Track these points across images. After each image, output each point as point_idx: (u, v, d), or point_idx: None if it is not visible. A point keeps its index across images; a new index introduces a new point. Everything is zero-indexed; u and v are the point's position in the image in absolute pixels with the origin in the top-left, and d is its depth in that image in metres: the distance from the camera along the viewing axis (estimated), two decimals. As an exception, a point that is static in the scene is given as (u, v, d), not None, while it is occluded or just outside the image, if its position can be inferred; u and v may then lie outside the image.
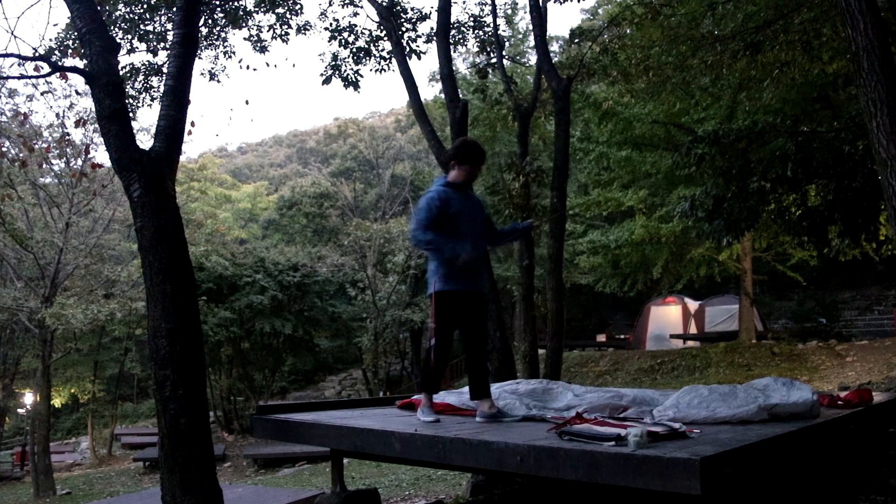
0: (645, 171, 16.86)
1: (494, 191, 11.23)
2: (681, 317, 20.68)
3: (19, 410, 25.13)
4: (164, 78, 5.87)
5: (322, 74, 10.32)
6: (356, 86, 10.35)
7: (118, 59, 4.84)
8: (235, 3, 9.55)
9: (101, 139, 7.21)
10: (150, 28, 9.04)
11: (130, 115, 6.65)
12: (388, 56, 10.33)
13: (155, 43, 9.03)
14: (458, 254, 3.74)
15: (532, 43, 16.82)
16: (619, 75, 10.84)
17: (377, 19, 9.72)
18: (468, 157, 3.96)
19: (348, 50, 10.32)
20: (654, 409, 3.49)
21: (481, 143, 4.24)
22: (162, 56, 9.06)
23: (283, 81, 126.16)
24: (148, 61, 9.26)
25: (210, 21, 9.48)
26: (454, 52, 12.17)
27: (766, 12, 8.58)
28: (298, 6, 10.04)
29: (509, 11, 18.12)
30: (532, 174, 9.57)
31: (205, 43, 9.60)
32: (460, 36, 11.30)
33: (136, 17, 8.89)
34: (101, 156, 31.95)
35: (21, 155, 14.04)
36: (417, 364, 24.59)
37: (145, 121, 54.56)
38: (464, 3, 19.60)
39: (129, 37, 8.98)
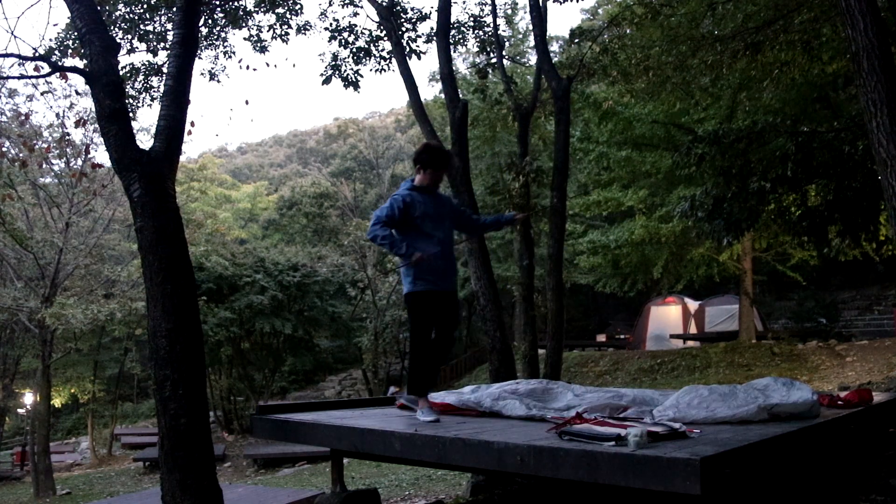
0: (645, 171, 16.86)
1: (494, 191, 11.24)
2: (681, 317, 20.68)
3: (19, 410, 25.15)
4: (164, 78, 5.87)
5: (322, 74, 10.34)
6: (356, 86, 10.35)
7: (118, 59, 4.84)
8: (235, 3, 9.55)
9: (101, 139, 7.20)
10: (150, 28, 9.04)
11: (130, 115, 6.65)
12: (388, 56, 10.34)
13: (155, 43, 9.04)
14: (409, 253, 3.78)
15: (532, 43, 16.85)
16: (619, 75, 10.84)
17: (377, 19, 9.73)
18: (431, 162, 4.01)
19: (348, 50, 10.33)
20: (654, 409, 3.48)
21: (444, 147, 4.24)
22: (162, 56, 9.07)
23: (283, 81, 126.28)
24: (148, 61, 9.27)
25: (210, 21, 9.49)
26: (454, 52, 12.18)
27: (766, 12, 8.58)
28: (298, 6, 10.05)
29: (509, 11, 18.14)
30: (532, 174, 9.59)
31: (205, 43, 9.60)
32: (460, 36, 11.30)
33: (136, 17, 8.89)
34: (101, 156, 31.94)
35: (21, 155, 14.03)
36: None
37: (145, 121, 54.71)
38: (464, 3, 19.64)
39: (129, 37, 8.98)
